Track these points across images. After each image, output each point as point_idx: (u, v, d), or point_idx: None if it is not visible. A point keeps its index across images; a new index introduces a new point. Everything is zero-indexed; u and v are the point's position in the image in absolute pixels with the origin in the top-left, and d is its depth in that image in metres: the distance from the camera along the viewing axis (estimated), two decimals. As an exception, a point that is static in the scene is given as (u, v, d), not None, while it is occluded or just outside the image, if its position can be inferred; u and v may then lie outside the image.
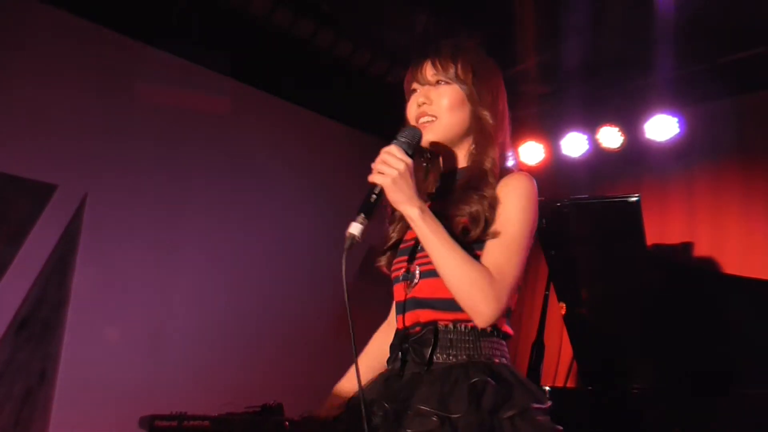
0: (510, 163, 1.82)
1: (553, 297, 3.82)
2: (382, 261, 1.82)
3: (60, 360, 3.72)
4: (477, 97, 1.71)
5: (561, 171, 5.11)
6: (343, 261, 1.50)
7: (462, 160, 1.76)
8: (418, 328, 1.63)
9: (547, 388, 3.36)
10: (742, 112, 4.43)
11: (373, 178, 1.56)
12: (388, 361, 1.68)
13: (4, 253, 3.61)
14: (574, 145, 4.92)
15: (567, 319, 3.75)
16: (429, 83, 1.74)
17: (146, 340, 4.03)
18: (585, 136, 4.89)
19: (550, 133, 5.07)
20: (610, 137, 4.75)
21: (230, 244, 4.43)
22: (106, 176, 3.99)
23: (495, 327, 1.61)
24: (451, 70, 1.72)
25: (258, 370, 4.22)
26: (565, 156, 4.99)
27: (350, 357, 1.67)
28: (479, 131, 1.71)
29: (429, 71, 1.74)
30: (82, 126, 3.93)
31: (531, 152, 5.13)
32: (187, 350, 4.16)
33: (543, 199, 3.70)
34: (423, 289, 1.64)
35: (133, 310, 3.99)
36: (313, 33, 4.41)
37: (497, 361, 1.60)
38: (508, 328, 1.67)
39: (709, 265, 4.22)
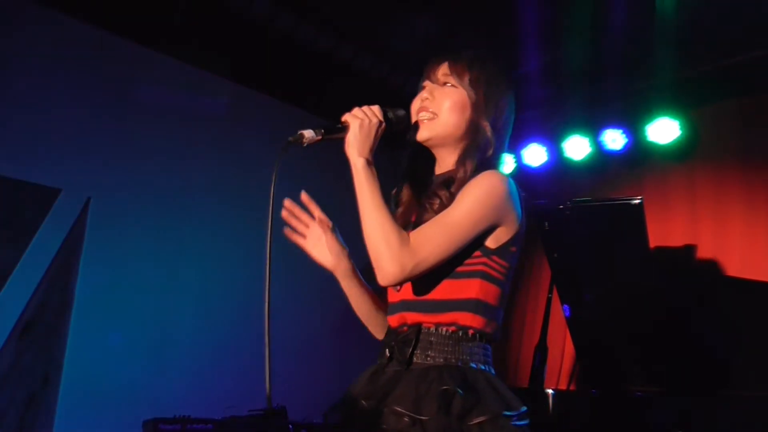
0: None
1: (555, 299, 3.82)
2: None
3: (64, 364, 3.73)
4: (483, 107, 1.74)
5: (564, 173, 5.11)
6: (282, 152, 1.59)
7: (449, 164, 1.77)
8: (405, 328, 1.68)
9: (551, 390, 3.35)
10: (744, 114, 4.43)
11: (346, 116, 1.66)
12: (378, 357, 1.73)
13: (8, 257, 3.62)
14: (577, 147, 4.92)
15: (570, 322, 3.75)
16: (438, 82, 1.77)
17: (150, 344, 4.04)
18: (587, 139, 4.89)
19: (553, 136, 5.07)
20: (613, 139, 4.75)
21: (233, 247, 4.43)
22: (109, 180, 4.00)
23: (478, 331, 1.64)
24: (465, 76, 1.74)
25: (261, 374, 4.22)
26: (568, 158, 4.99)
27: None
28: (472, 140, 1.73)
29: (441, 71, 1.77)
30: (85, 130, 3.95)
31: (534, 154, 5.13)
32: (190, 354, 4.17)
33: (546, 201, 3.73)
34: (410, 290, 1.69)
35: (136, 314, 4.00)
36: (314, 36, 4.42)
37: (474, 366, 1.62)
38: (494, 331, 1.69)
39: (711, 267, 4.21)
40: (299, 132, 1.61)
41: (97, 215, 3.94)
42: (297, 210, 1.90)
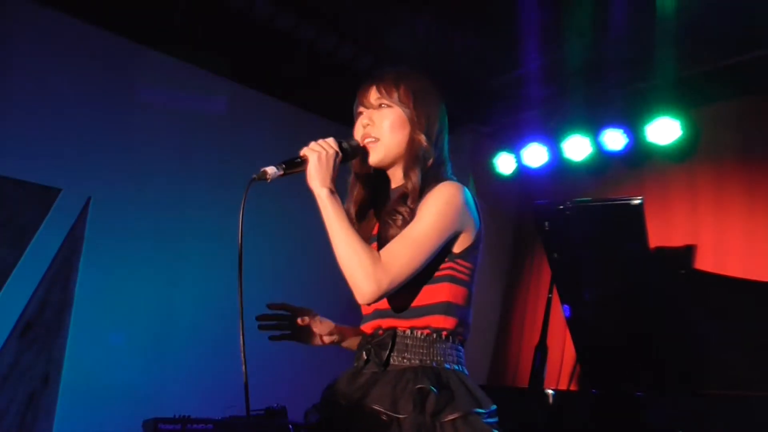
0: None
1: (555, 299, 3.82)
2: None
3: (64, 363, 3.73)
4: (416, 119, 1.81)
5: (564, 173, 5.11)
6: (247, 189, 1.70)
7: (400, 179, 1.84)
8: (381, 332, 1.76)
9: (551, 390, 3.35)
10: (745, 114, 4.43)
11: (304, 150, 1.73)
12: (354, 360, 1.81)
13: (8, 257, 3.63)
14: (577, 147, 4.92)
15: (570, 322, 3.75)
16: (373, 107, 1.84)
17: (150, 344, 4.04)
18: (588, 139, 4.89)
19: (553, 136, 5.07)
20: (613, 139, 4.75)
21: (233, 246, 4.43)
22: (109, 180, 4.01)
23: (450, 332, 1.73)
24: (394, 94, 1.82)
25: (262, 374, 4.21)
26: (568, 158, 4.99)
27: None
28: (411, 153, 1.80)
29: (373, 95, 1.84)
30: (86, 130, 3.95)
31: (534, 154, 5.13)
32: (191, 353, 4.17)
33: (546, 201, 3.73)
34: (383, 301, 1.73)
35: (136, 314, 4.00)
36: (314, 36, 4.41)
37: (449, 366, 1.69)
38: (465, 331, 1.77)
39: (711, 268, 4.21)
40: (262, 169, 1.71)
41: (97, 215, 3.94)
42: (272, 317, 2.05)
